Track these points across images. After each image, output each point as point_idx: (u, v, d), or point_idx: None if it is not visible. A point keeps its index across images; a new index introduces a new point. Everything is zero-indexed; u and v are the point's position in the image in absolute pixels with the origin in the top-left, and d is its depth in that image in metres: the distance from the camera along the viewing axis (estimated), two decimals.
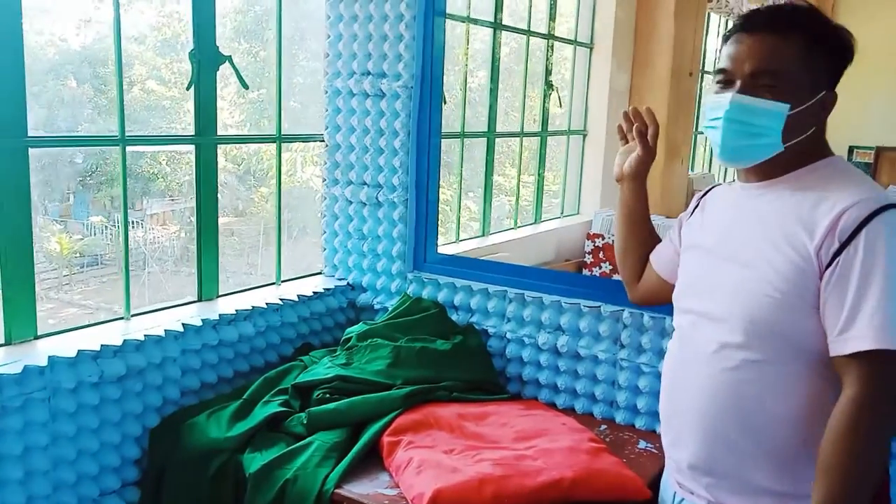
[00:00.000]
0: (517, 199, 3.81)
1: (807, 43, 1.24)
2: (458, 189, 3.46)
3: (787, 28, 1.24)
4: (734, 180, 1.42)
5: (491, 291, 2.30)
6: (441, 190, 3.54)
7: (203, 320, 2.09)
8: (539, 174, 3.92)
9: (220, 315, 2.13)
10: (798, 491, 1.22)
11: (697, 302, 1.34)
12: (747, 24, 1.27)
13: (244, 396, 2.00)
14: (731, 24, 1.37)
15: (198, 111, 2.16)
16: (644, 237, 1.61)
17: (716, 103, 1.28)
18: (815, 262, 1.17)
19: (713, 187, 1.49)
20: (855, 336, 1.12)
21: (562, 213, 4.12)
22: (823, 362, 1.19)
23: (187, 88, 2.11)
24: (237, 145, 5.47)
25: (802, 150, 1.26)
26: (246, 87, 2.26)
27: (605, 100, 4.09)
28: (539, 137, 3.91)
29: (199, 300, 2.28)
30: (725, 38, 1.32)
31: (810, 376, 1.22)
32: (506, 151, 3.98)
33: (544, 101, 3.87)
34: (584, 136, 4.18)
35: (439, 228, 3.61)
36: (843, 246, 1.15)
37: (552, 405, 2.21)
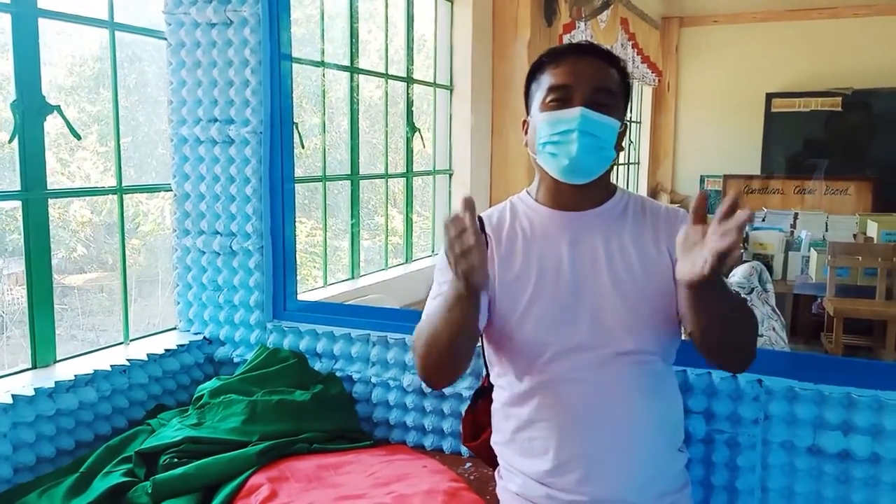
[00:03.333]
0: (386, 240, 3.80)
1: (620, 75, 1.38)
2: (324, 232, 3.41)
3: (609, 59, 1.38)
4: (500, 210, 1.47)
5: (354, 336, 2.26)
6: (316, 233, 3.49)
7: (36, 389, 1.92)
8: (407, 214, 3.93)
9: (56, 382, 1.97)
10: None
11: (573, 329, 1.35)
12: (579, 50, 1.37)
13: (81, 469, 1.84)
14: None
15: (24, 165, 2.02)
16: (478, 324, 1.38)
17: (559, 118, 1.32)
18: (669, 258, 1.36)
19: (479, 220, 1.44)
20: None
21: (433, 251, 4.15)
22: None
23: (9, 142, 1.97)
24: (106, 196, 5.16)
25: (608, 178, 1.42)
26: (78, 137, 2.15)
27: (468, 140, 4.18)
28: (405, 178, 3.93)
29: (34, 367, 2.11)
30: (543, 66, 1.38)
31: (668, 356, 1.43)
32: (383, 192, 3.98)
33: (408, 143, 3.91)
34: (451, 175, 4.25)
35: (312, 273, 3.55)
36: None
37: (421, 447, 2.18)
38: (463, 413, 2.08)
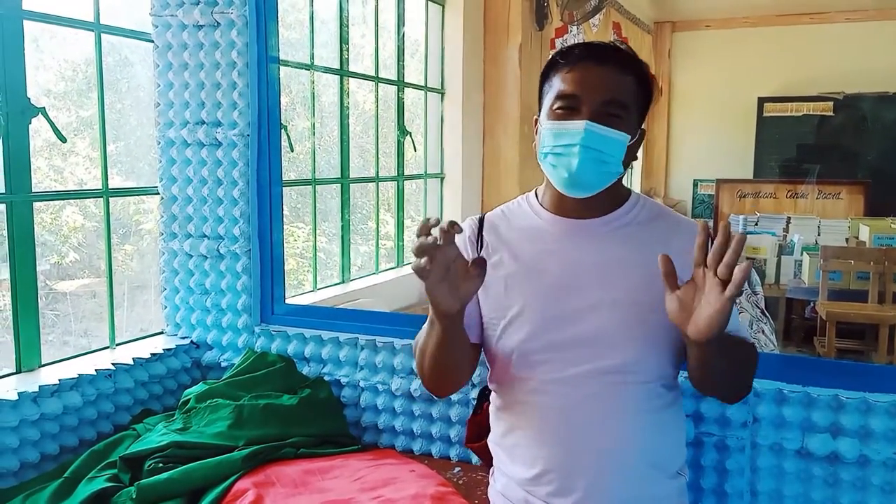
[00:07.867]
0: (377, 244, 3.79)
1: (638, 81, 1.30)
2: (313, 236, 3.40)
3: (627, 65, 1.30)
4: (505, 210, 1.42)
5: (342, 340, 2.24)
6: (309, 236, 3.46)
7: (20, 394, 1.91)
8: (398, 218, 3.92)
9: (40, 386, 1.95)
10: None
11: (556, 340, 1.30)
12: (594, 55, 1.29)
13: (66, 474, 1.82)
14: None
15: (7, 167, 2.01)
16: (466, 341, 1.34)
17: (564, 130, 1.25)
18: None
19: (481, 221, 1.42)
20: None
21: None
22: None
23: None
24: (93, 200, 5.13)
25: (618, 186, 1.35)
26: (63, 140, 2.13)
27: (459, 143, 4.18)
28: (396, 182, 3.92)
29: (19, 371, 2.09)
30: (556, 67, 1.30)
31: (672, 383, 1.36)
32: (378, 197, 3.97)
33: (399, 146, 3.90)
34: (442, 178, 4.24)
35: (309, 277, 3.53)
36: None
37: (409, 451, 2.17)
38: (456, 416, 2.09)
